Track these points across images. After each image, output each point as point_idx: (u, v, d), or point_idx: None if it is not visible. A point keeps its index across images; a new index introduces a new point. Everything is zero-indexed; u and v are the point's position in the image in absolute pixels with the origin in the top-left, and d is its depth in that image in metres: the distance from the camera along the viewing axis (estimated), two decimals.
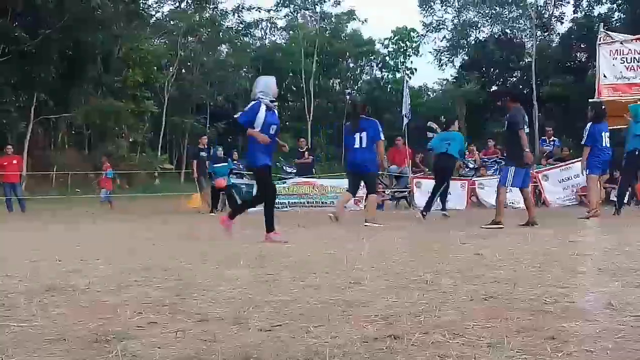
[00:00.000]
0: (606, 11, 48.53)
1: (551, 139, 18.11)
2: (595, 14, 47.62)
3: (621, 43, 15.84)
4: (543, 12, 50.36)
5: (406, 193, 16.99)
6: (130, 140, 31.83)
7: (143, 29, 34.98)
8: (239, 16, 46.13)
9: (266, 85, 7.94)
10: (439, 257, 5.96)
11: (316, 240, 8.31)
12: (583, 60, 45.58)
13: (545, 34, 51.00)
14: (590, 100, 15.82)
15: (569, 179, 15.22)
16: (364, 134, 10.49)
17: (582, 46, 44.58)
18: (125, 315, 3.57)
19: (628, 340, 2.89)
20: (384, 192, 16.86)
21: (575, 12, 49.48)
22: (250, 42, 50.81)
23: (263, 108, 7.67)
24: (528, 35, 50.42)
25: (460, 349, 2.82)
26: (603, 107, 11.63)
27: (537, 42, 47.22)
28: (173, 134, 41.05)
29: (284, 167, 17.87)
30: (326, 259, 6.05)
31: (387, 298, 3.96)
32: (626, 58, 15.48)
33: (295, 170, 17.97)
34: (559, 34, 50.66)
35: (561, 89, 41.83)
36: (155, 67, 34.68)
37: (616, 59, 15.52)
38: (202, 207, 16.76)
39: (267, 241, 7.68)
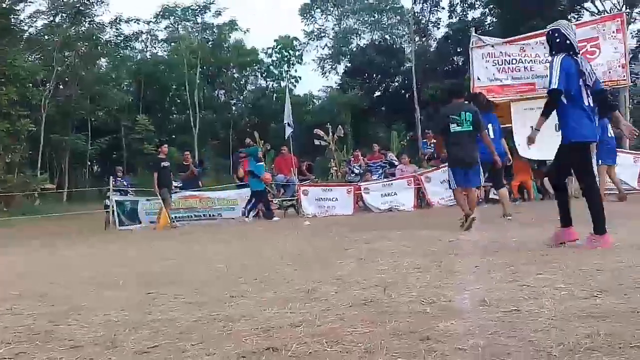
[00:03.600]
0: (479, 16, 50.40)
1: (432, 142, 18.60)
2: (469, 18, 49.34)
3: (492, 46, 16.44)
4: (420, 18, 51.76)
5: (294, 201, 17.05)
6: (7, 160, 30.45)
7: (15, 44, 33.57)
8: (117, 29, 45.14)
9: None
10: (323, 265, 5.99)
11: (200, 254, 8.19)
12: (460, 63, 47.10)
13: (423, 39, 52.45)
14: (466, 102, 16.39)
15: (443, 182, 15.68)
16: None
17: (458, 50, 46.08)
18: None
19: (500, 335, 2.98)
20: (272, 201, 16.84)
21: (450, 17, 51.10)
22: (131, 54, 49.78)
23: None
24: (407, 41, 51.74)
25: (337, 356, 2.83)
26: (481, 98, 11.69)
27: (416, 48, 48.49)
28: (53, 152, 39.62)
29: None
30: (209, 273, 5.96)
31: (269, 310, 3.94)
32: (497, 60, 16.08)
33: (181, 185, 17.64)
34: (436, 38, 52.22)
35: (440, 92, 43.08)
36: (31, 84, 33.38)
37: (488, 61, 16.10)
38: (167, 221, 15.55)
39: None
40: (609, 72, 15.47)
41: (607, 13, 37.90)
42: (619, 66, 15.51)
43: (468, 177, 9.07)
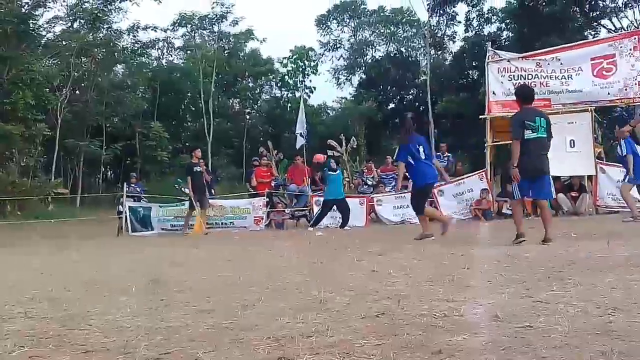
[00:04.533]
0: (495, 30, 50.38)
1: (445, 155, 18.59)
2: (485, 33, 49.37)
3: (508, 61, 16.46)
4: (436, 31, 51.77)
5: (306, 211, 17.05)
6: (22, 164, 30.62)
7: (34, 50, 33.79)
8: (134, 36, 45.34)
9: None
10: (335, 276, 5.98)
11: (211, 262, 8.20)
12: (475, 77, 47.03)
13: (439, 52, 52.47)
14: (481, 116, 16.38)
15: (462, 193, 15.67)
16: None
17: (473, 64, 46.02)
18: (5, 349, 3.40)
19: (513, 351, 2.96)
20: (284, 211, 16.87)
21: (466, 31, 51.09)
22: (147, 62, 49.97)
23: None
24: (422, 54, 51.77)
25: None
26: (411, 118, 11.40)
27: (431, 61, 48.51)
28: (67, 157, 39.81)
29: (182, 189, 17.54)
30: (221, 281, 5.97)
31: (280, 320, 3.93)
32: (514, 75, 16.10)
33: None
34: (451, 52, 52.21)
35: (455, 105, 43.05)
36: (47, 89, 33.55)
37: (504, 76, 16.12)
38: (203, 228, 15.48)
39: None
40: (625, 90, 15.44)
41: (624, 30, 37.77)
42: (636, 84, 15.46)
43: (538, 187, 8.73)
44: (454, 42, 52.28)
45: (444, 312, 3.94)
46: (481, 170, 16.06)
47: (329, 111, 55.49)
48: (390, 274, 5.81)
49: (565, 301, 4.10)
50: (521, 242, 8.26)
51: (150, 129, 41.55)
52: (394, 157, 11.52)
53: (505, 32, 50.06)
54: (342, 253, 8.45)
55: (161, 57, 52.66)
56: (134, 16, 73.15)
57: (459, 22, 51.37)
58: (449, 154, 18.99)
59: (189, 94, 49.39)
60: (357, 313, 4.02)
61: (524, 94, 9.04)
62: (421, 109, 47.21)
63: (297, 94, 50.75)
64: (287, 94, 54.69)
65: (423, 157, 10.17)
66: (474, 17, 50.99)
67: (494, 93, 16.07)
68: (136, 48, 46.78)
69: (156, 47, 50.66)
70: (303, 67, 54.19)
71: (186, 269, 7.32)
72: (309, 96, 53.09)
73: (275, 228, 16.08)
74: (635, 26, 43.37)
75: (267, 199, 16.95)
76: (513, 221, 8.74)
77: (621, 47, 15.70)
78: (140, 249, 11.65)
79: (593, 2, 47.95)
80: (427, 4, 49.49)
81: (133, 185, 19.01)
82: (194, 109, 49.72)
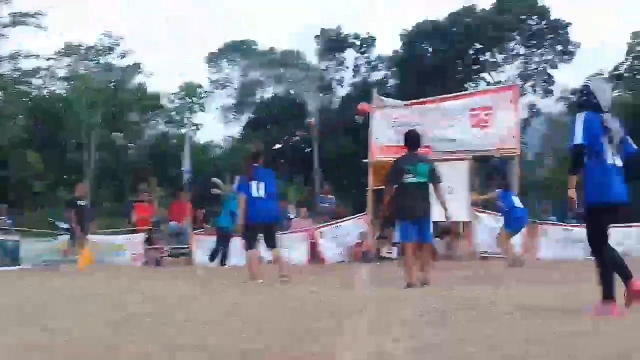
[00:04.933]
0: (382, 77, 51.86)
1: (328, 197, 18.79)
2: (373, 79, 50.68)
3: (392, 108, 16.89)
4: (324, 75, 52.71)
5: (186, 249, 16.71)
6: None
7: None
8: (14, 63, 43.63)
9: None
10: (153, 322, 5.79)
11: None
12: (361, 122, 48.04)
13: (327, 95, 53.32)
14: (364, 160, 16.66)
15: (343, 235, 15.80)
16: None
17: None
18: None
19: None
20: (162, 248, 16.49)
21: (354, 76, 52.37)
22: (27, 90, 48.11)
23: None
24: (311, 97, 52.43)
25: None
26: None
27: (319, 103, 49.20)
28: None
29: (58, 224, 16.84)
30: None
31: None
32: (397, 122, 16.46)
33: (68, 226, 16.94)
34: (339, 96, 53.16)
35: (341, 149, 43.72)
36: None
37: (388, 122, 16.50)
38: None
39: None
40: (502, 140, 16.10)
41: (502, 84, 39.64)
42: (511, 136, 16.16)
43: (418, 230, 8.93)
44: (341, 86, 53.32)
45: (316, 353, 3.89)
46: (362, 214, 16.28)
47: (216, 149, 55.06)
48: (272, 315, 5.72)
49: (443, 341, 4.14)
50: (412, 286, 8.43)
51: (26, 159, 39.86)
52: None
53: (391, 80, 51.60)
54: (224, 287, 8.28)
55: (43, 86, 50.88)
56: (16, 43, 70.61)
57: (347, 67, 52.59)
58: (331, 196, 19.19)
59: (71, 125, 47.86)
60: None
61: (408, 140, 9.43)
62: (307, 150, 47.66)
63: (184, 130, 50.13)
64: (173, 130, 53.93)
65: (261, 195, 9.86)
66: (362, 64, 52.37)
67: (377, 138, 16.39)
68: (16, 76, 45.05)
69: (38, 75, 48.95)
70: (191, 103, 53.68)
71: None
72: (195, 133, 52.55)
73: (154, 265, 15.67)
74: (512, 81, 45.73)
75: (147, 236, 16.53)
76: (399, 265, 8.92)
77: (498, 100, 16.41)
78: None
79: (474, 57, 50.30)
80: (317, 49, 50.54)
81: (3, 217, 18.09)
82: (75, 140, 48.20)
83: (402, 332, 4.67)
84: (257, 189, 9.83)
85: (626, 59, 48.78)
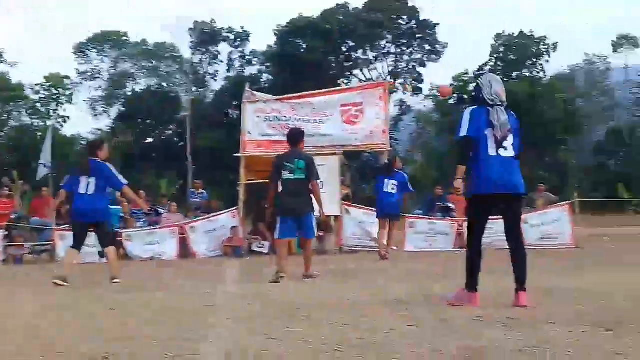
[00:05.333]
0: (256, 72, 51.85)
1: (199, 191, 18.58)
2: (247, 74, 50.60)
3: (264, 103, 16.83)
4: (198, 69, 52.13)
5: (48, 246, 16.00)
6: None
7: None
8: None
9: None
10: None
11: None
12: (235, 117, 47.82)
13: (201, 89, 52.74)
14: (235, 154, 16.55)
15: (215, 230, 15.63)
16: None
17: (234, 103, 46.74)
18: None
19: None
20: (23, 245, 15.73)
21: (228, 70, 52.07)
22: None
23: None
24: (184, 90, 51.66)
25: None
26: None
27: (192, 97, 48.64)
28: None
29: None
30: None
31: None
32: (269, 117, 16.41)
33: None
34: (213, 90, 52.72)
35: (214, 143, 43.38)
36: None
37: (260, 117, 16.38)
38: None
39: None
40: (371, 137, 16.40)
41: (374, 81, 40.54)
42: (380, 132, 16.48)
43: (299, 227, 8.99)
44: (215, 80, 52.89)
45: (176, 351, 3.82)
46: (234, 208, 16.16)
47: (83, 142, 53.25)
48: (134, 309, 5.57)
49: (298, 338, 4.16)
50: (279, 279, 8.47)
51: None
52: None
53: (265, 75, 51.70)
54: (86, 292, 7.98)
55: None
56: None
57: (221, 61, 52.24)
58: (203, 191, 18.97)
59: None
60: None
61: (288, 136, 9.48)
62: (180, 145, 47.00)
63: (49, 123, 48.17)
64: (38, 122, 51.72)
65: (89, 191, 9.04)
66: (236, 58, 52.16)
67: (249, 132, 16.27)
68: None
69: None
70: (57, 95, 51.67)
71: None
72: (62, 126, 50.66)
73: (14, 264, 14.95)
74: (383, 78, 46.86)
75: (6, 232, 15.74)
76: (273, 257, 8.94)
77: (369, 96, 16.69)
78: None
79: (347, 54, 51.20)
80: (191, 41, 49.88)
81: None
82: None
83: (264, 325, 4.67)
84: (87, 185, 9.01)
85: (490, 59, 51.13)
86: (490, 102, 5.80)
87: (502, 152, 5.70)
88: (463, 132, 5.78)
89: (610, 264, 10.40)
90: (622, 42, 55.84)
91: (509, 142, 5.74)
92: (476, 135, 5.75)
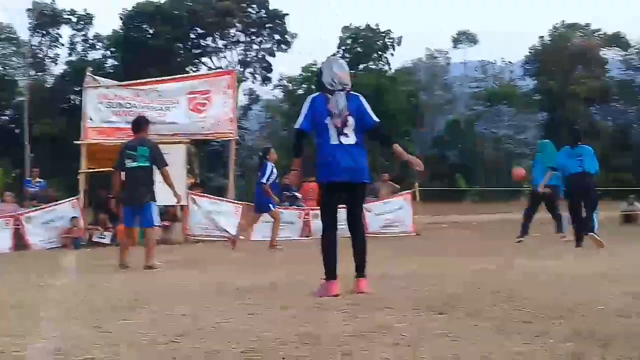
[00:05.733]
0: (100, 57, 50.05)
1: (37, 180, 17.70)
2: (90, 58, 48.73)
3: (107, 88, 16.22)
4: (37, 52, 49.63)
5: None
6: None
7: None
8: None
9: None
10: None
11: None
12: (77, 102, 45.94)
13: (40, 73, 50.26)
14: (76, 142, 15.88)
15: (53, 220, 14.91)
16: None
17: (76, 89, 44.89)
18: None
19: None
20: None
21: (70, 55, 49.93)
22: None
23: None
24: (21, 74, 49.03)
25: None
26: None
27: (31, 82, 46.29)
28: None
29: None
30: None
31: None
32: (112, 103, 15.82)
33: None
34: (54, 75, 50.42)
35: (55, 130, 41.61)
36: None
37: (102, 103, 15.76)
38: None
39: None
40: (218, 125, 16.25)
41: (223, 69, 40.20)
42: (228, 120, 16.37)
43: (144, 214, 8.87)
44: (56, 64, 50.62)
45: (3, 347, 3.60)
46: (74, 198, 15.52)
47: None
48: None
49: (134, 330, 4.03)
50: (123, 269, 8.48)
51: None
52: None
53: (110, 60, 50.07)
54: None
55: None
56: None
57: (62, 44, 50.04)
58: (40, 180, 18.04)
59: None
60: None
61: (132, 124, 9.41)
62: (17, 131, 44.62)
63: None
64: None
65: None
66: (79, 42, 50.13)
67: (91, 119, 15.63)
68: None
69: None
70: None
71: None
72: None
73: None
74: (233, 66, 46.63)
75: None
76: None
77: (216, 84, 16.54)
78: None
79: (196, 41, 50.53)
80: (29, 23, 47.39)
81: None
82: None
83: (89, 319, 4.49)
84: None
85: (337, 51, 52.15)
86: (331, 88, 5.72)
87: (343, 139, 5.65)
88: (297, 123, 5.77)
89: (446, 251, 10.88)
90: (462, 38, 58.77)
91: (350, 128, 5.66)
92: (311, 127, 5.73)
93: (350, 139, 5.67)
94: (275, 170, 12.60)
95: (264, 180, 12.52)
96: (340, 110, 5.63)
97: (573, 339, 3.43)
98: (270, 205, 12.65)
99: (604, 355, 3.04)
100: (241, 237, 13.59)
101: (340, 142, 5.64)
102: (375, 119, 5.76)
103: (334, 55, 50.05)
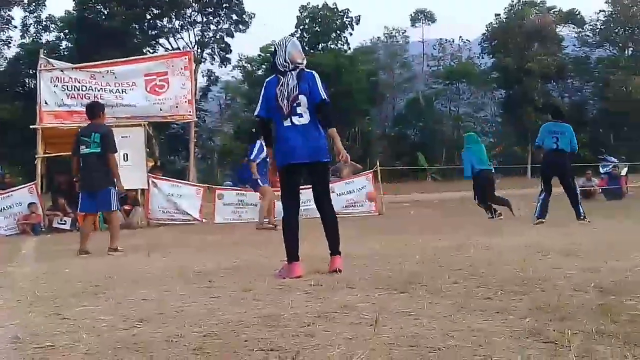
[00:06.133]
0: (54, 39, 49.17)
1: None
2: (44, 40, 47.86)
3: (62, 71, 15.91)
4: None
5: None
6: None
7: None
8: None
9: None
10: None
11: None
12: (32, 86, 45.14)
13: None
14: (32, 126, 15.60)
15: (11, 207, 14.64)
16: None
17: (30, 72, 44.09)
18: None
19: None
20: None
21: (22, 37, 48.98)
22: None
23: None
24: None
25: None
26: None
27: None
28: None
29: None
30: None
31: None
32: (67, 86, 15.56)
33: None
34: (7, 58, 49.43)
35: (9, 114, 40.89)
36: None
37: (57, 86, 15.49)
38: None
39: None
40: (177, 107, 16.09)
41: (180, 50, 39.77)
42: (186, 102, 16.21)
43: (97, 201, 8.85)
44: (9, 47, 49.61)
45: None
46: (31, 183, 15.27)
47: None
48: None
49: (94, 316, 3.98)
50: (83, 255, 8.41)
51: None
52: None
53: (64, 42, 49.21)
54: None
55: None
56: None
57: (15, 26, 49.03)
58: None
59: None
60: None
61: (86, 109, 9.41)
62: None
63: None
64: None
65: None
66: (32, 24, 49.15)
67: (46, 103, 15.37)
68: None
69: None
70: None
71: None
72: None
73: None
74: (190, 47, 46.14)
75: None
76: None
77: (173, 65, 16.33)
78: None
79: (152, 22, 49.81)
80: None
81: None
82: None
83: (47, 306, 4.43)
84: None
85: (296, 31, 51.95)
86: (282, 70, 5.63)
87: (296, 120, 5.56)
88: (257, 110, 5.77)
89: (408, 229, 10.96)
90: (420, 16, 58.95)
91: (303, 107, 5.56)
92: (268, 113, 5.68)
93: (303, 118, 5.57)
94: (265, 148, 12.52)
95: (252, 157, 12.65)
96: (290, 91, 5.53)
97: (532, 315, 3.49)
98: (258, 180, 12.68)
99: (562, 329, 3.08)
100: (203, 220, 13.54)
101: (293, 122, 5.55)
102: (324, 96, 5.61)
103: (292, 35, 49.94)
